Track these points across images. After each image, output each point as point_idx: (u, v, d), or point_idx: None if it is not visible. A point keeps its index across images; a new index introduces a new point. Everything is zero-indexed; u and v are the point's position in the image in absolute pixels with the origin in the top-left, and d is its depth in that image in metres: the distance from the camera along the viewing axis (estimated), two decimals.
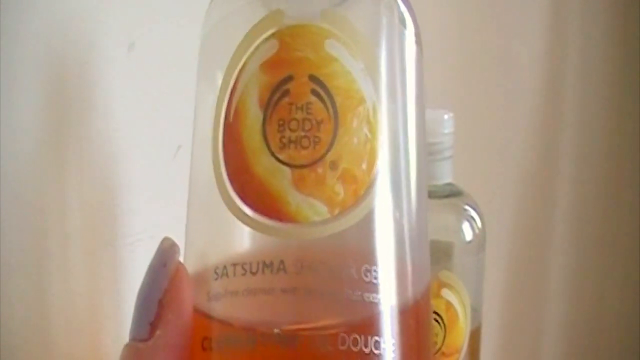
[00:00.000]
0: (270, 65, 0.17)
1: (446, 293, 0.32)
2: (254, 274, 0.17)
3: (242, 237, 0.18)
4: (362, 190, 0.17)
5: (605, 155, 0.71)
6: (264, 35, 0.17)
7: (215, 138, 0.17)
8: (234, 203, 0.17)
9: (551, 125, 0.69)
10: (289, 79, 0.17)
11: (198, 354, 0.18)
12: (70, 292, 0.37)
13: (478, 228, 0.34)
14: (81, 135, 0.38)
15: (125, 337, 0.19)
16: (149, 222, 0.36)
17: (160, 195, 0.36)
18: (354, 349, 0.16)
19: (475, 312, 0.34)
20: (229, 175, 0.17)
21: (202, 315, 0.18)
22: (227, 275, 0.17)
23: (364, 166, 0.17)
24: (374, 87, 0.17)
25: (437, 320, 0.32)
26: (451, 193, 0.34)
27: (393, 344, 0.17)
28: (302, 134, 0.16)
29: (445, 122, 0.33)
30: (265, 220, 0.17)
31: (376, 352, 0.17)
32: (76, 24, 0.37)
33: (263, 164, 0.17)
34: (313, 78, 0.17)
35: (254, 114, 0.17)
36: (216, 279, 0.17)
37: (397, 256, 0.18)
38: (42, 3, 0.35)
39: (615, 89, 0.68)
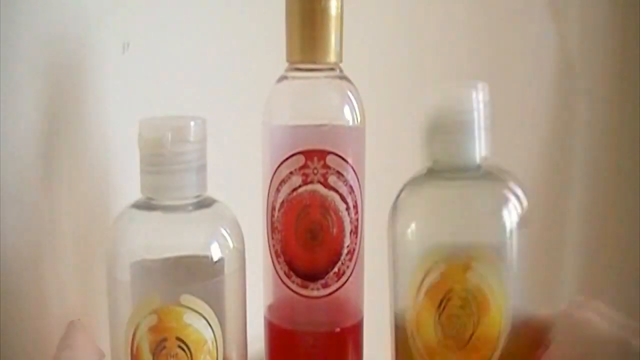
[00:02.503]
0: (154, 330, 0.30)
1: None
2: None
3: None
4: None
5: (617, 145, 0.69)
6: (147, 311, 0.30)
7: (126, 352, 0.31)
8: None
9: (565, 113, 0.67)
10: (164, 340, 0.30)
11: None
12: (64, 296, 0.37)
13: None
14: (75, 137, 0.38)
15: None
16: None
17: None
18: None
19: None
20: None
21: None
22: None
23: None
24: (214, 331, 0.31)
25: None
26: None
27: None
28: None
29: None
30: None
31: None
32: (72, 25, 0.37)
33: None
34: (178, 338, 0.30)
35: (147, 355, 0.30)
36: None
37: None
38: (38, 4, 0.36)
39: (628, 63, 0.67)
